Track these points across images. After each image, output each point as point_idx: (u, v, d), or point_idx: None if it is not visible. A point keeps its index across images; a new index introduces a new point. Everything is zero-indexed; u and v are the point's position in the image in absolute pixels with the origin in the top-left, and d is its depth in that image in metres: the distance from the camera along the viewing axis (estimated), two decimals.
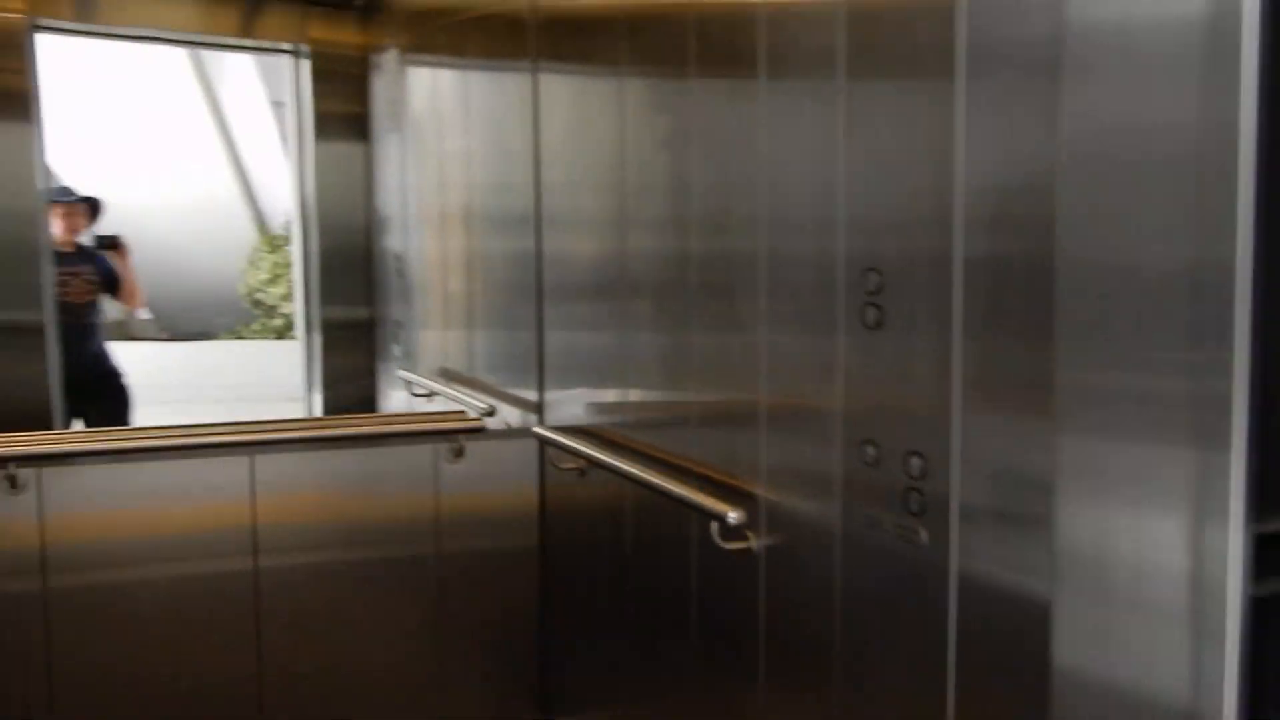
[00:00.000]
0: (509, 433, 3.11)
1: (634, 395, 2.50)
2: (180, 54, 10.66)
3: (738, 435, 2.01)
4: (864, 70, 1.59)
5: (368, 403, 5.15)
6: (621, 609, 2.63)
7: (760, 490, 1.91)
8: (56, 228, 5.18)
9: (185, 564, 2.80)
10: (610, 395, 2.62)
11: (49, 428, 4.60)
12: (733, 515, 1.87)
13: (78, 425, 5.19)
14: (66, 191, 5.37)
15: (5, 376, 4.47)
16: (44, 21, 4.57)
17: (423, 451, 2.98)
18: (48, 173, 4.79)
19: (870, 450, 1.59)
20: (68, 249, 5.26)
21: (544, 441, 2.83)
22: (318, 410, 5.21)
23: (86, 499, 2.67)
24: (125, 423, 5.45)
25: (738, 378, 2.01)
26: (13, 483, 2.54)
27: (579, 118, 2.77)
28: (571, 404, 2.83)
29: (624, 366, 2.53)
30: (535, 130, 3.00)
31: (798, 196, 1.78)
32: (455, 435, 3.00)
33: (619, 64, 2.47)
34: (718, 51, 2.03)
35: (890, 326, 1.55)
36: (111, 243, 5.44)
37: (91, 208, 5.42)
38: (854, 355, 1.63)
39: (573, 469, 2.71)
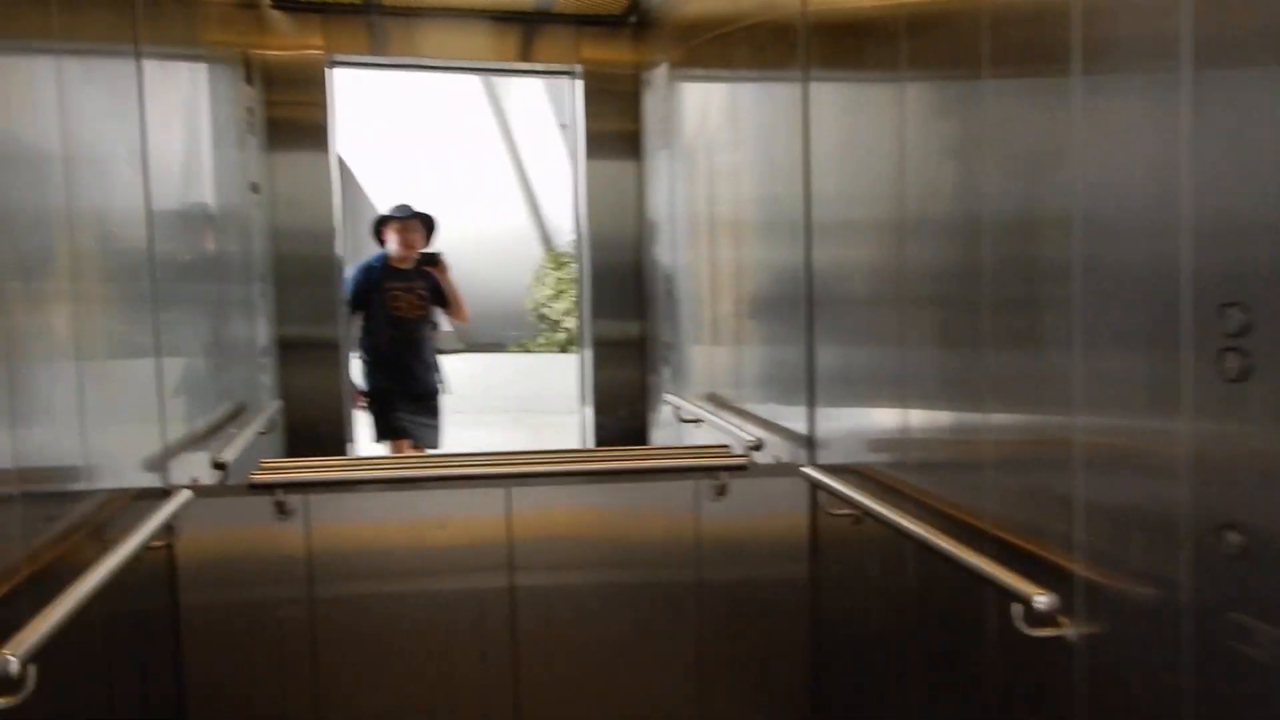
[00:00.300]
0: (776, 470, 2.86)
1: (915, 430, 2.19)
2: (474, 80, 11.20)
3: (1044, 490, 1.67)
4: (1220, 57, 1.24)
5: (637, 420, 5.08)
6: (903, 669, 2.32)
7: (1076, 567, 1.56)
8: (393, 243, 5.22)
9: (443, 588, 2.77)
10: (887, 429, 2.32)
11: (342, 439, 4.85)
12: (1041, 600, 1.53)
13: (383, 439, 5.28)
14: (404, 208, 5.33)
15: (306, 386, 4.77)
16: (340, 57, 4.82)
17: (684, 487, 2.80)
18: (343, 196, 5.07)
19: (1234, 538, 1.22)
20: (403, 264, 5.23)
21: (814, 483, 2.56)
22: (589, 423, 5.19)
23: (350, 523, 2.69)
24: (435, 443, 5.37)
25: (1043, 411, 1.67)
26: (281, 509, 2.59)
27: (852, 126, 2.53)
28: (843, 438, 2.56)
29: (902, 394, 2.23)
30: (805, 140, 2.77)
31: (1125, 202, 1.44)
32: (718, 472, 2.79)
33: (898, 68, 2.20)
34: (1017, 48, 1.73)
35: (1263, 377, 1.18)
36: (432, 259, 5.31)
37: (426, 224, 5.35)
38: (1209, 415, 1.26)
39: (845, 515, 2.43)
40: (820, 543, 2.83)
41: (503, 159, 12.42)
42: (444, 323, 5.56)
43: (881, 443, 2.36)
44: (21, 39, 1.80)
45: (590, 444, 5.17)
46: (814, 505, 2.77)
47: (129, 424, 2.34)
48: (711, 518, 2.83)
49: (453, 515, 2.73)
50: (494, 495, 2.71)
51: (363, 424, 5.19)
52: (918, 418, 2.17)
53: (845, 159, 2.56)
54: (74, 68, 2.05)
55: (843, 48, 2.60)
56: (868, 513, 2.20)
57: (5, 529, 1.62)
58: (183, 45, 3.16)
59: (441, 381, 5.46)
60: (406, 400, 5.26)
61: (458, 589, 2.77)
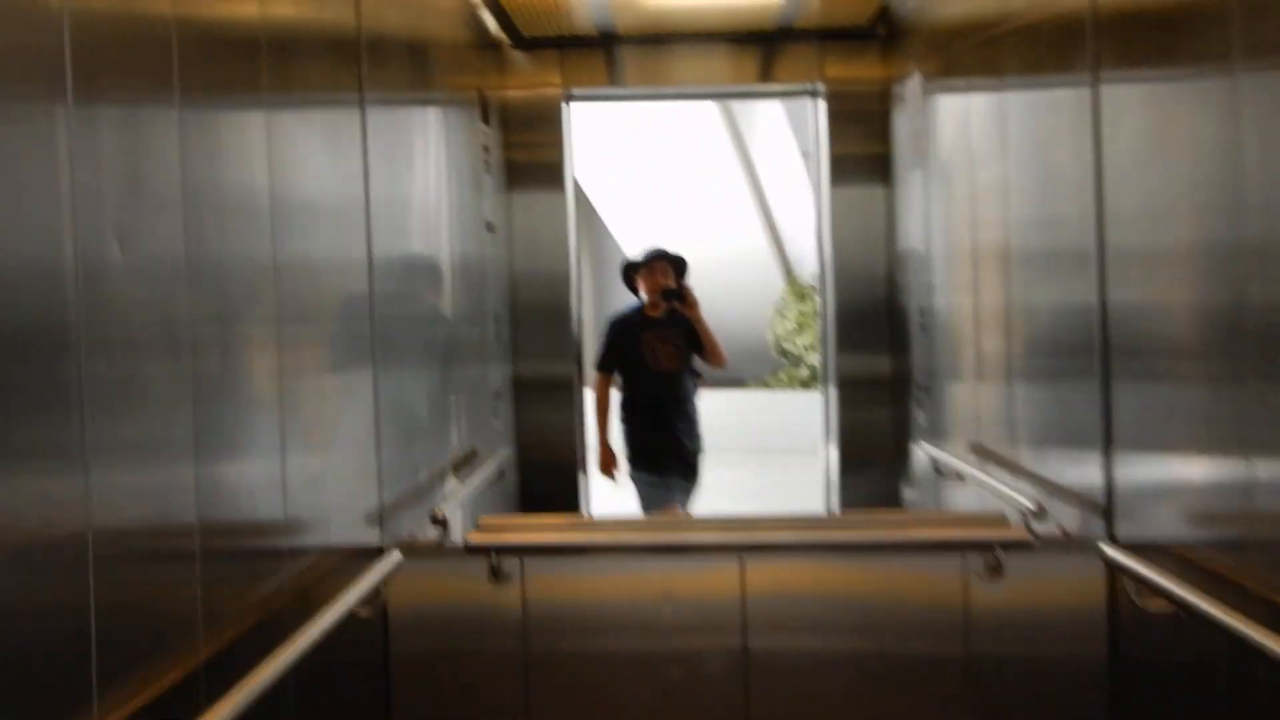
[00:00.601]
0: (1062, 545, 2.40)
1: (1262, 499, 1.71)
2: (714, 110, 11.08)
3: None
4: None
5: (886, 465, 4.64)
6: None
7: None
8: (645, 290, 4.71)
9: (669, 663, 2.49)
10: (1218, 497, 1.85)
11: (574, 482, 4.71)
12: None
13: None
14: (654, 251, 4.79)
15: (540, 427, 4.66)
16: (578, 91, 4.73)
17: (950, 561, 2.39)
18: (585, 231, 4.97)
19: None
20: (655, 312, 4.68)
21: (1113, 565, 2.10)
22: (834, 465, 4.79)
23: (570, 588, 2.47)
24: (688, 504, 4.80)
25: None
26: (495, 573, 2.40)
27: (1161, 129, 2.11)
28: (1153, 506, 2.09)
29: (1242, 456, 1.75)
30: (1096, 152, 2.35)
31: None
32: (990, 547, 2.36)
33: (1228, 57, 1.78)
34: None
35: None
36: (676, 294, 4.66)
37: (676, 267, 4.77)
38: None
39: (1160, 611, 1.95)
40: (1122, 629, 2.34)
41: (743, 189, 12.22)
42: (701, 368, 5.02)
43: (1210, 516, 1.88)
44: (225, 94, 1.71)
45: (835, 492, 4.77)
46: (1113, 586, 2.29)
47: (344, 476, 2.22)
48: (983, 595, 2.40)
49: (681, 585, 2.45)
50: (727, 565, 2.41)
51: (596, 471, 4.91)
52: (1269, 481, 1.69)
53: (1153, 170, 2.12)
54: (286, 118, 1.96)
55: (1145, 41, 2.19)
56: (1195, 613, 1.73)
57: (185, 594, 1.48)
58: (415, 90, 3.10)
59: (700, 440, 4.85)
60: (670, 460, 4.71)
61: (685, 665, 2.49)
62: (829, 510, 4.73)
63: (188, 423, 1.50)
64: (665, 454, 4.70)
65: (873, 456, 4.67)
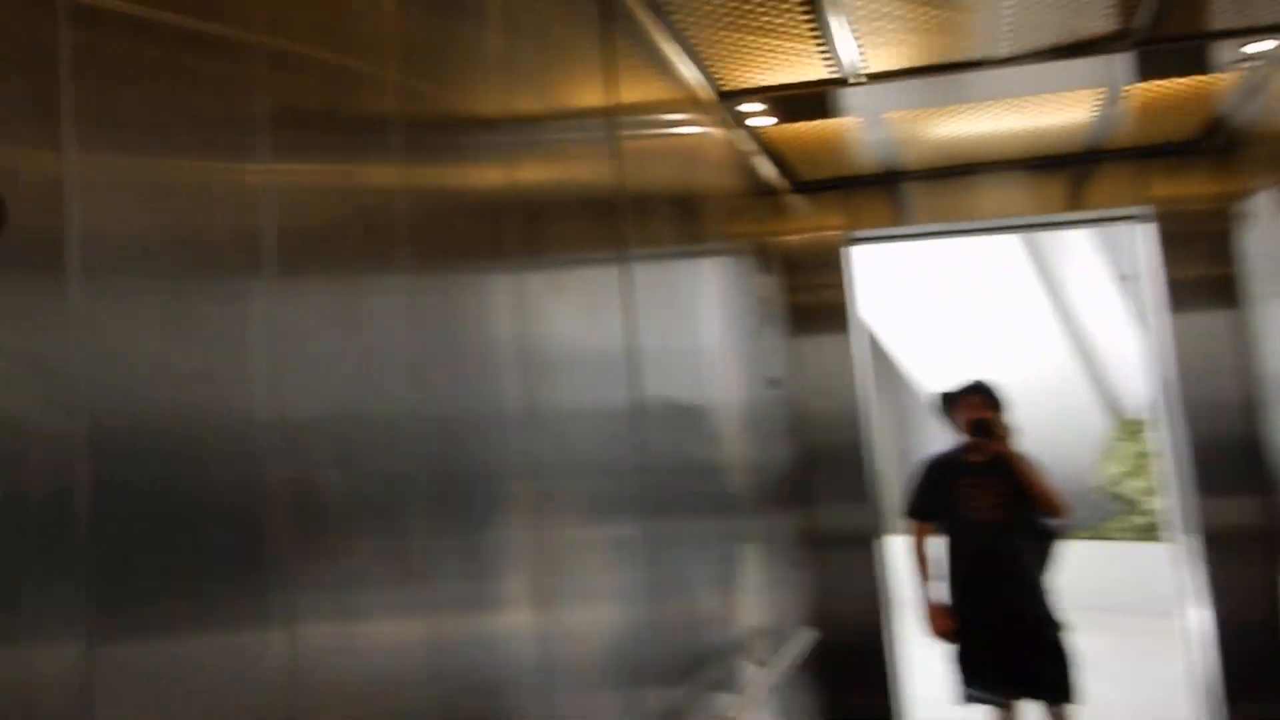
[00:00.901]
0: None
1: None
2: (1011, 236, 10.41)
3: None
4: None
5: (1267, 640, 3.81)
6: None
7: None
8: (961, 428, 4.21)
9: None
10: None
11: (879, 653, 4.24)
12: None
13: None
14: (967, 385, 4.28)
15: (837, 591, 4.25)
16: (861, 233, 4.50)
17: None
18: (873, 378, 4.63)
19: None
20: (977, 456, 4.14)
21: None
22: (1203, 635, 4.00)
23: None
24: (1058, 697, 4.00)
25: None
26: None
27: None
28: None
29: None
30: None
31: None
32: None
33: None
34: None
35: None
36: (984, 428, 4.11)
37: (989, 400, 4.19)
38: None
39: None
40: None
41: (1048, 317, 11.31)
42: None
43: None
44: (463, 260, 1.60)
45: (1206, 666, 3.97)
46: None
47: (617, 665, 1.97)
48: None
49: None
50: None
51: (915, 641, 4.39)
52: None
53: None
54: (537, 278, 1.84)
55: None
56: None
57: None
58: (684, 242, 2.97)
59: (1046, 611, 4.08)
60: (1000, 639, 4.03)
61: None
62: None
63: (417, 600, 1.31)
64: (991, 629, 4.03)
65: (1246, 627, 3.88)
